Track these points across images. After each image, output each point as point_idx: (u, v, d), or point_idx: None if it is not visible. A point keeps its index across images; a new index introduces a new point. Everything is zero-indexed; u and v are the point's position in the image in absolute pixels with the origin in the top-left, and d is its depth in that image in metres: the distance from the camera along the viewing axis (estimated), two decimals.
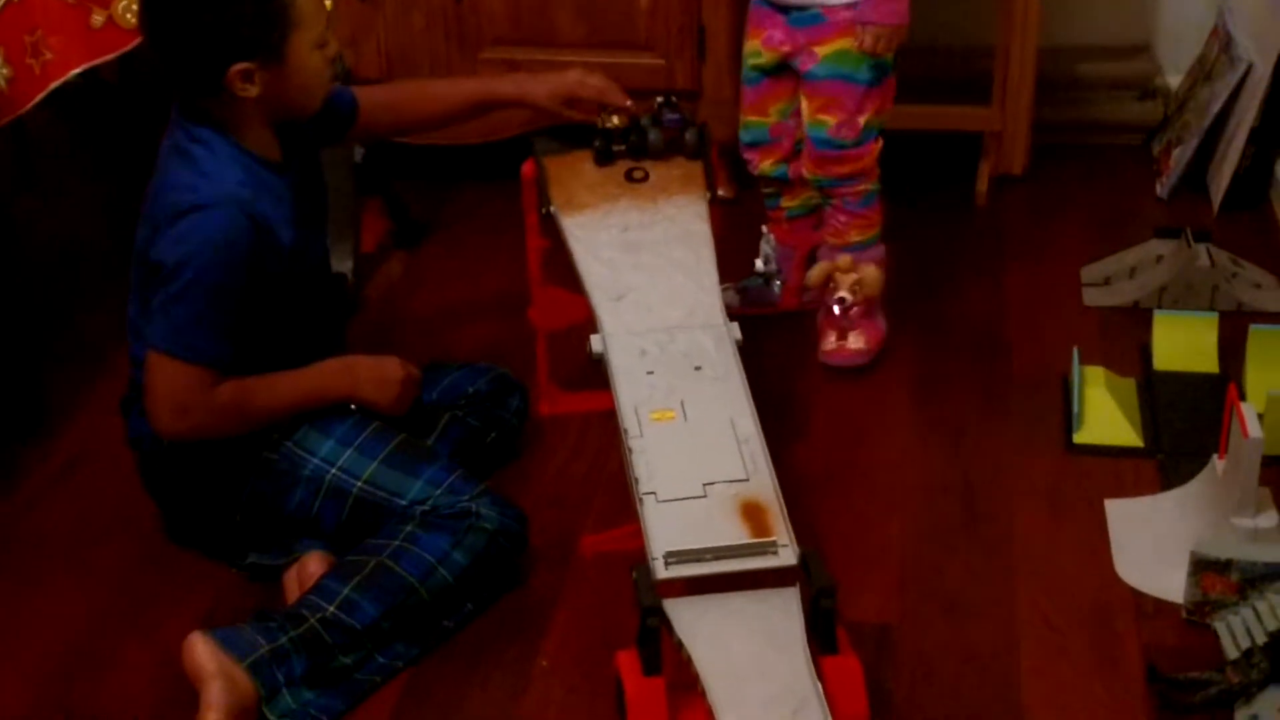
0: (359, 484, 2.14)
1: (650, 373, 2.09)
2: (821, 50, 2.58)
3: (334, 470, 2.15)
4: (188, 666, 1.97)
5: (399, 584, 2.06)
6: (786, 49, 2.61)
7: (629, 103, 2.43)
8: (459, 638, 2.12)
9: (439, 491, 2.13)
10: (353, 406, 2.20)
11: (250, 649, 1.96)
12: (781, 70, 2.65)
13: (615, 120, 2.43)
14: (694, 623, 1.80)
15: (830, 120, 2.61)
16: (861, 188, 2.69)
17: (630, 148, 2.44)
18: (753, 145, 2.76)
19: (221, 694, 1.92)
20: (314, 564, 2.16)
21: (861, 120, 2.61)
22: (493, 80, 2.62)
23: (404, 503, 2.13)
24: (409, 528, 2.11)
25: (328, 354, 2.25)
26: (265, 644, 1.97)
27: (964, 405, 2.60)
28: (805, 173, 2.70)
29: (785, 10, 2.59)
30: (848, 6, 2.53)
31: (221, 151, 2.07)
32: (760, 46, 2.65)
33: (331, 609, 2.02)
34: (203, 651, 1.95)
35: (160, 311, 2.06)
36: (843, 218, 2.72)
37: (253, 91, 2.04)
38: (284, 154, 2.16)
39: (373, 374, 2.22)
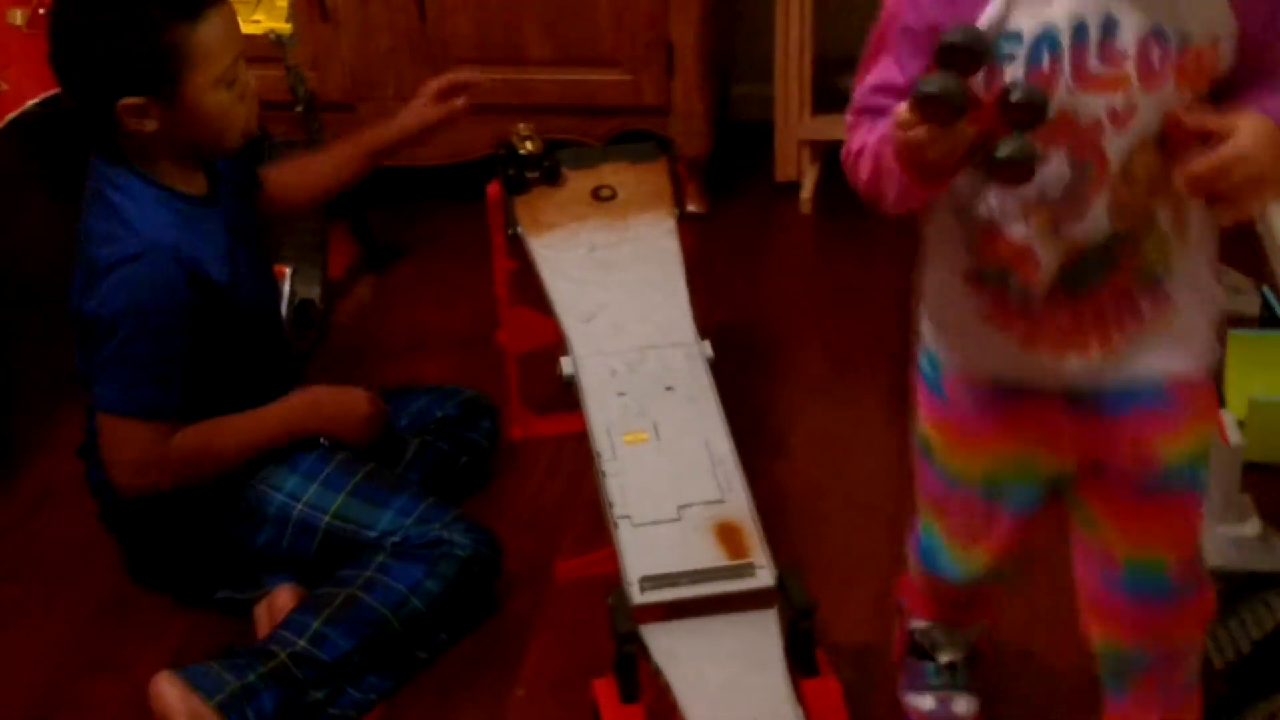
0: (327, 518, 2.11)
1: (622, 394, 2.06)
2: (1165, 447, 1.56)
3: (300, 505, 2.11)
4: (156, 707, 1.93)
5: (371, 615, 2.02)
6: (1096, 453, 1.58)
7: (480, 77, 2.42)
8: (432, 667, 2.08)
9: (409, 521, 2.10)
10: (322, 441, 2.17)
11: (218, 687, 1.93)
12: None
13: (529, 145, 2.39)
14: (671, 647, 1.77)
15: (1166, 557, 1.60)
16: (1196, 657, 1.71)
17: (544, 173, 2.39)
18: (967, 580, 1.78)
19: None
20: (284, 597, 2.12)
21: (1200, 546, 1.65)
22: (374, 128, 2.50)
23: (374, 534, 2.09)
24: (380, 558, 2.07)
25: (283, 386, 2.22)
26: (234, 681, 1.94)
27: None
28: (1101, 639, 1.67)
29: (1076, 397, 1.55)
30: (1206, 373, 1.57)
31: (141, 195, 2.03)
32: (1037, 454, 1.61)
33: (301, 643, 1.98)
34: (170, 692, 1.91)
35: (102, 371, 2.02)
36: (1154, 714, 1.71)
37: (150, 126, 2.00)
38: (211, 185, 2.12)
39: (339, 409, 2.18)
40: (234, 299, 2.10)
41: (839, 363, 2.76)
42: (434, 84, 2.41)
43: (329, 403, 2.18)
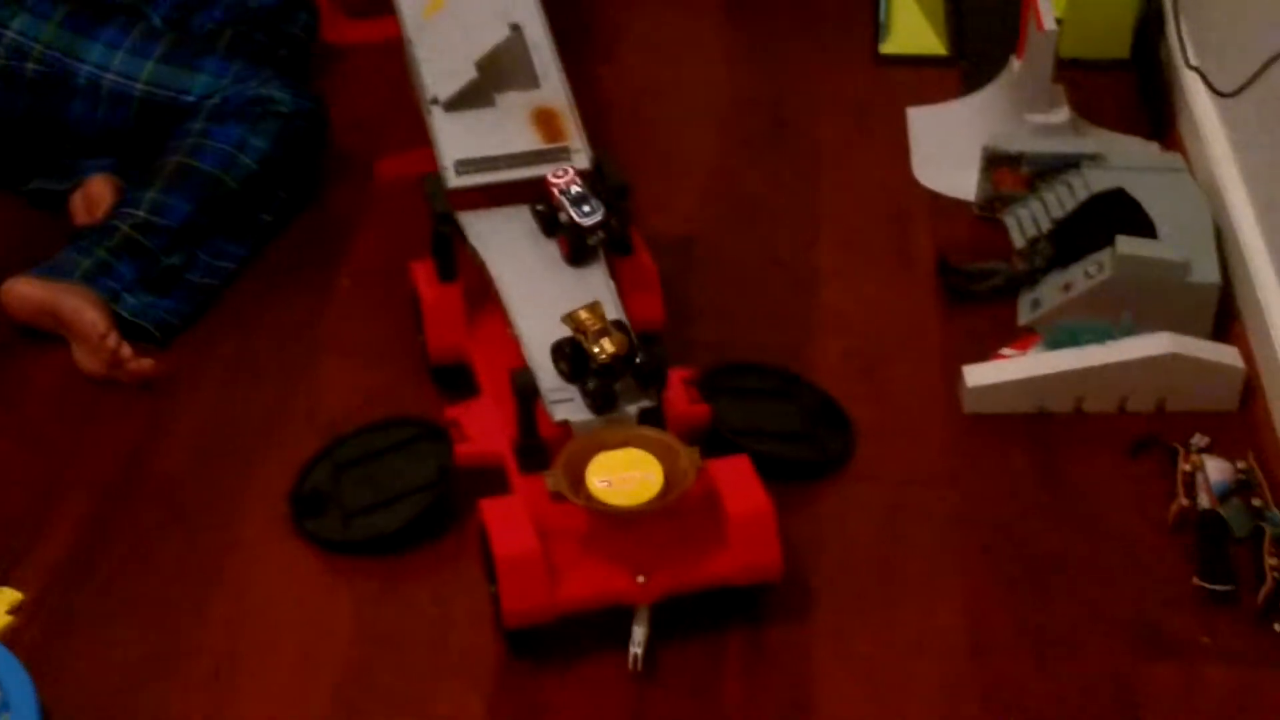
0: (140, 86, 2.08)
1: None
2: None
3: (109, 75, 2.07)
4: (21, 310, 1.91)
5: (203, 178, 2.02)
6: None
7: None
8: (258, 259, 2.09)
9: (225, 82, 2.08)
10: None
11: (72, 269, 1.92)
12: None
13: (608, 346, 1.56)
14: (487, 233, 1.79)
15: None
16: None
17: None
18: None
19: (75, 305, 1.87)
20: (99, 185, 2.10)
21: None
22: None
23: (192, 98, 2.07)
24: (200, 124, 2.06)
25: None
26: (85, 260, 1.93)
27: (775, 23, 2.57)
28: None
29: None
30: None
31: None
32: None
33: (140, 214, 1.98)
34: (27, 288, 1.90)
35: None
36: None
37: None
38: None
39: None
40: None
41: None
42: None
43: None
